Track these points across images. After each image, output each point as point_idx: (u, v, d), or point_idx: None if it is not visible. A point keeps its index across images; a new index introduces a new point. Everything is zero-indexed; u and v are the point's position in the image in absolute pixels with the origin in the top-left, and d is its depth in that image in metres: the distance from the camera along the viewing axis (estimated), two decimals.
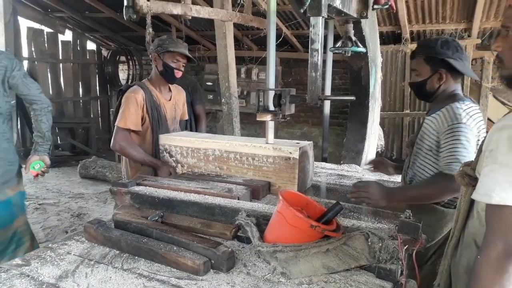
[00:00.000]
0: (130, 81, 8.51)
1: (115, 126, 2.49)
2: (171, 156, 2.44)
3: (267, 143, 2.17)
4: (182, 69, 2.62)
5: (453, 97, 1.90)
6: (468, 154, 1.75)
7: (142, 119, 2.53)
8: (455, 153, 1.77)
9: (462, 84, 1.98)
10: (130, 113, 2.46)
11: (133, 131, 2.53)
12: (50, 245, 1.53)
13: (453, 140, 1.79)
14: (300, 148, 2.09)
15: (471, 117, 1.81)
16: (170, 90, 2.75)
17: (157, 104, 2.59)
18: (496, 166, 1.09)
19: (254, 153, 2.18)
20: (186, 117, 2.98)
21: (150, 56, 2.62)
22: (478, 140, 1.82)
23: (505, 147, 1.08)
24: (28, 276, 1.29)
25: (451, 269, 1.38)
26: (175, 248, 1.38)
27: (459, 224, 1.35)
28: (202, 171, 2.34)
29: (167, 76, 2.58)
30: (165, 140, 2.46)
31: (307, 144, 2.23)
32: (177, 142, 2.41)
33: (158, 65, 2.57)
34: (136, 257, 1.42)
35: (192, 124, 3.84)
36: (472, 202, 1.29)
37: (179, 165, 2.42)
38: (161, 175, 2.36)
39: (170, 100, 2.72)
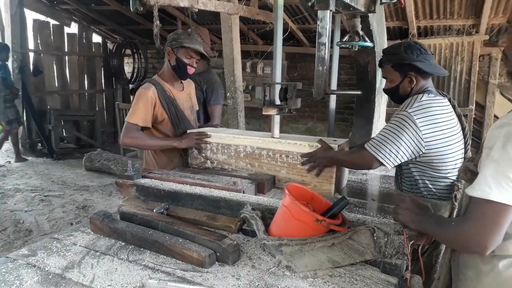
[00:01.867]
0: (135, 74, 8.50)
1: (125, 122, 2.47)
2: (200, 152, 2.39)
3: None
4: (195, 65, 2.57)
5: (422, 93, 1.94)
6: (389, 137, 1.82)
7: (159, 116, 2.50)
8: (379, 135, 1.87)
9: (432, 80, 2.02)
10: (139, 109, 2.43)
11: (155, 129, 2.53)
12: (56, 236, 1.54)
13: (388, 123, 1.88)
14: (338, 145, 2.02)
15: (424, 109, 1.82)
16: (181, 82, 2.73)
17: (172, 99, 2.56)
18: (488, 161, 1.13)
19: (288, 150, 2.10)
20: (197, 107, 2.93)
21: (158, 49, 2.59)
22: (432, 130, 1.81)
23: (500, 143, 1.11)
24: (35, 266, 1.30)
25: (451, 263, 1.38)
26: (180, 240, 1.38)
27: None
28: (232, 167, 2.28)
29: (179, 71, 2.54)
30: None
31: (345, 141, 2.16)
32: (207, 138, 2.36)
33: (171, 59, 2.53)
34: (142, 249, 1.42)
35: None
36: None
37: (208, 161, 2.37)
38: (189, 145, 2.39)
39: (183, 90, 2.70)
